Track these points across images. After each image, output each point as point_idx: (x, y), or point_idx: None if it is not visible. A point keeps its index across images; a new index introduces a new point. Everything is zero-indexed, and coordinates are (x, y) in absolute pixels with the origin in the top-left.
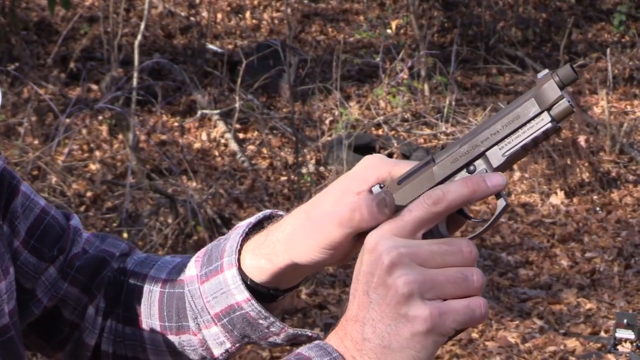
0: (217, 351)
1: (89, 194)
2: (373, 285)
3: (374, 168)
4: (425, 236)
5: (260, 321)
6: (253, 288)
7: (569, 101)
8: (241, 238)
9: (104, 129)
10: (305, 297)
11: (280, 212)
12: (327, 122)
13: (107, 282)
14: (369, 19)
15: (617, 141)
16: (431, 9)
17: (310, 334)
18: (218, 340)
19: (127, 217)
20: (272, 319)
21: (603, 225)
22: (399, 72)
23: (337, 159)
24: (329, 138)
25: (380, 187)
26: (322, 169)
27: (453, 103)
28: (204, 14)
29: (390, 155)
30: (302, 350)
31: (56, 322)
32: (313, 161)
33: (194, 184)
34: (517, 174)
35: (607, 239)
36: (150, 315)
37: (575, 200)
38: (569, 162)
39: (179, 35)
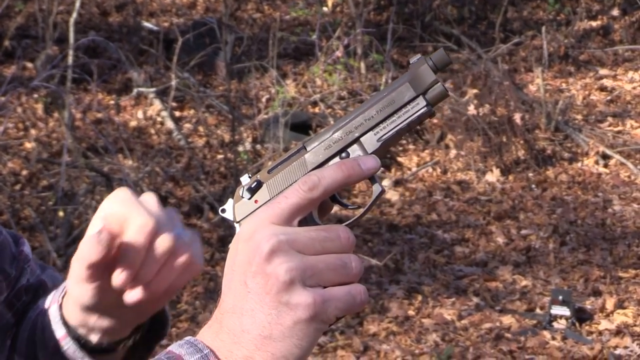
0: None
1: (24, 172)
2: (251, 274)
3: (105, 210)
4: (300, 223)
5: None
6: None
7: (443, 85)
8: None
9: (40, 107)
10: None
11: None
12: (263, 100)
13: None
14: None
15: (553, 119)
16: None
17: None
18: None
19: (63, 195)
20: (87, 359)
21: (538, 203)
22: (335, 50)
23: (273, 137)
24: (266, 116)
25: (249, 177)
26: (258, 147)
27: (389, 81)
28: None
29: None
30: (173, 347)
31: None
32: (249, 139)
33: (130, 162)
34: (452, 152)
35: (542, 216)
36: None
37: (510, 177)
38: (504, 139)
39: (114, 12)
